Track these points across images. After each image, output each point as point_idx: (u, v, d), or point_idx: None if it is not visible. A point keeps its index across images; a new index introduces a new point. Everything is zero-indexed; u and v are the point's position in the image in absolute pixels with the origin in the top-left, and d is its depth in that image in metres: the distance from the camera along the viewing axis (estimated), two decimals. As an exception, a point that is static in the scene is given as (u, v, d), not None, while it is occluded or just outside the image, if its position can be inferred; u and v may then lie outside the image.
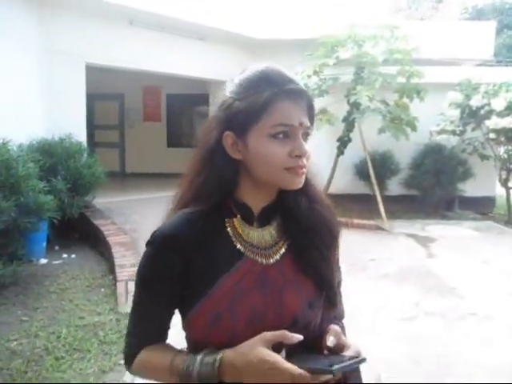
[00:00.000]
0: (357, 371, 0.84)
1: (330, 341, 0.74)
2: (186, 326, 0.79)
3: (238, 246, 0.78)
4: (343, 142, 7.15)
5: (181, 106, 10.44)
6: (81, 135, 5.66)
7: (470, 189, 7.46)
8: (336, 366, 0.65)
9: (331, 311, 0.84)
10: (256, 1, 7.56)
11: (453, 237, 5.87)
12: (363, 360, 0.71)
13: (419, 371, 2.53)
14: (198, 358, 0.71)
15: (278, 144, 0.74)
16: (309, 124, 0.77)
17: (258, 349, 0.67)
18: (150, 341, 0.80)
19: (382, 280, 4.10)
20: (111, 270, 4.08)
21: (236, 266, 0.76)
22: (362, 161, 7.20)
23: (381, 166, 7.33)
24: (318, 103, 6.66)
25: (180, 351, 0.77)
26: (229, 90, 0.79)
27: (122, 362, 1.96)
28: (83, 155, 5.31)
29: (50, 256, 4.55)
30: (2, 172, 3.32)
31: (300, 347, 0.71)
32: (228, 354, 0.70)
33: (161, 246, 0.77)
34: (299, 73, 6.55)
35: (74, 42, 5.75)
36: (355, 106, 6.48)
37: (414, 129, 6.62)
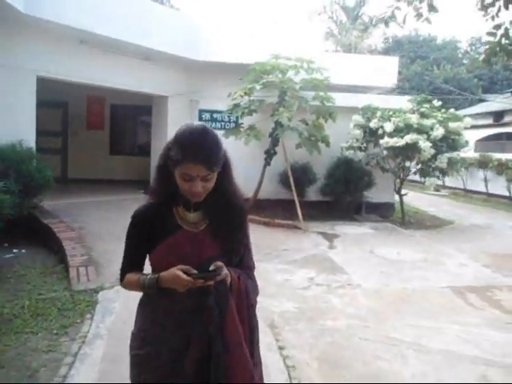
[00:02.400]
0: (223, 283, 1.33)
1: (212, 265, 1.32)
2: (149, 261, 1.44)
3: (179, 222, 1.40)
4: (269, 155, 8.29)
5: (124, 115, 11.01)
6: (31, 141, 6.20)
7: (374, 196, 8.96)
8: (201, 273, 1.27)
9: (230, 260, 1.40)
10: (196, 27, 8.52)
11: (353, 234, 7.20)
12: (217, 273, 1.29)
13: (303, 317, 3.59)
14: (149, 276, 1.37)
15: (184, 182, 1.32)
16: (206, 173, 1.30)
17: (174, 270, 1.29)
18: (130, 269, 1.45)
19: (290, 264, 5.18)
20: (61, 260, 4.72)
21: (178, 233, 1.39)
22: (284, 171, 8.37)
23: (301, 175, 8.56)
24: (248, 121, 7.81)
25: (143, 274, 1.41)
26: (172, 138, 1.36)
27: (79, 320, 2.83)
28: (33, 160, 5.85)
29: (1, 251, 5.05)
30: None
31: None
32: (163, 273, 1.32)
33: (132, 219, 1.45)
34: (232, 93, 7.63)
35: (27, 57, 6.29)
36: (278, 124, 7.65)
37: (328, 145, 7.96)
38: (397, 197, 8.99)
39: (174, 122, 8.82)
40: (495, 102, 16.42)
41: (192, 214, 1.41)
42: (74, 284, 4.05)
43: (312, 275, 4.79)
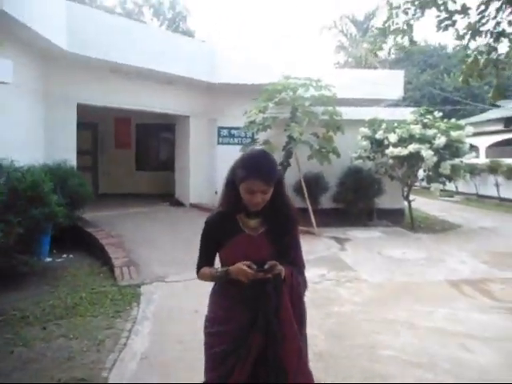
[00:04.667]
0: (279, 275, 1.63)
1: (267, 263, 1.62)
2: (219, 259, 1.80)
3: (242, 227, 1.74)
4: (283, 167, 8.94)
5: (149, 133, 11.92)
6: (72, 160, 7.08)
7: (385, 202, 9.50)
8: (260, 268, 1.60)
9: (283, 262, 1.68)
10: (213, 52, 9.38)
11: (364, 238, 7.75)
12: (274, 268, 1.61)
13: (312, 304, 4.18)
14: (219, 269, 1.72)
15: (247, 195, 1.66)
16: (265, 187, 1.63)
17: (240, 265, 1.61)
18: (204, 264, 1.80)
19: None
20: (105, 262, 5.47)
21: (240, 235, 1.73)
22: (298, 181, 9.01)
23: (314, 184, 9.18)
24: (263, 136, 8.53)
25: (214, 268, 1.77)
26: (239, 159, 1.71)
27: (128, 307, 3.60)
28: (75, 177, 6.69)
29: (52, 256, 5.85)
30: (33, 189, 4.71)
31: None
32: (231, 267, 1.65)
33: (205, 225, 1.79)
34: (248, 111, 8.39)
35: (68, 86, 7.24)
36: (291, 138, 8.33)
37: (338, 155, 8.60)
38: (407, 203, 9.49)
39: (195, 138, 9.67)
40: (506, 109, 16.72)
41: (252, 221, 1.74)
42: (119, 281, 4.78)
43: (323, 272, 5.39)
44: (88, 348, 3.16)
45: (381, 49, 3.82)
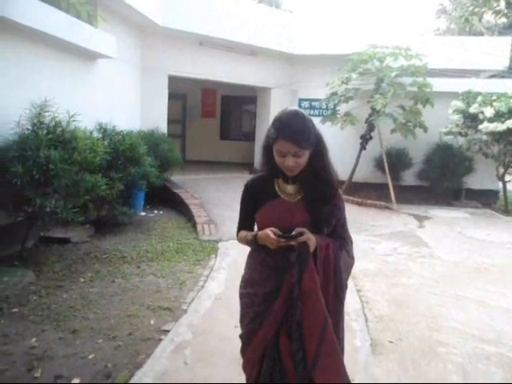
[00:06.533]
0: (305, 245, 1.55)
1: (295, 230, 1.55)
2: (255, 221, 1.75)
3: (278, 192, 1.67)
4: (365, 140, 8.77)
5: (232, 105, 12.41)
6: (164, 128, 7.79)
7: (475, 182, 8.83)
8: (283, 234, 1.53)
9: (321, 230, 1.62)
10: (296, 23, 9.31)
11: (446, 217, 7.36)
12: (299, 236, 1.53)
13: (380, 274, 4.27)
14: (252, 233, 1.70)
15: (279, 157, 1.56)
16: (296, 149, 1.51)
17: (266, 230, 1.57)
18: (243, 228, 1.77)
19: (377, 237, 5.78)
20: (189, 219, 6.08)
21: (276, 200, 1.66)
22: (380, 155, 8.75)
23: (396, 160, 8.86)
24: (344, 108, 8.39)
25: (249, 232, 1.73)
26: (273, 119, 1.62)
27: (207, 257, 4.05)
28: (166, 143, 7.37)
29: (145, 211, 6.64)
30: (130, 150, 5.37)
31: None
32: (259, 232, 1.63)
33: (244, 188, 1.74)
34: (330, 83, 8.29)
35: (161, 60, 7.86)
36: (374, 110, 8.07)
37: (425, 130, 8.15)
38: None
39: (276, 110, 9.77)
40: None
41: (289, 186, 1.66)
42: (200, 235, 5.32)
43: (396, 246, 5.34)
44: (172, 286, 3.68)
45: (475, 14, 3.55)
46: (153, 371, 2.42)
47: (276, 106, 9.77)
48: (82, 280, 3.74)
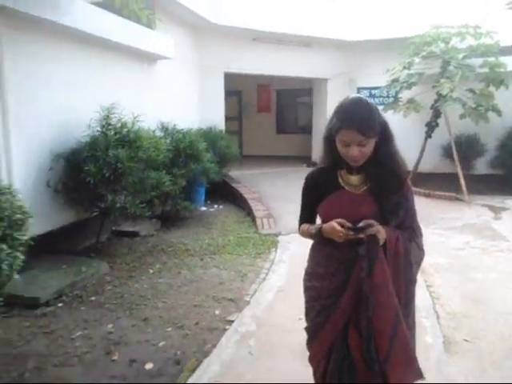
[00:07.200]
0: (374, 237, 1.50)
1: (363, 221, 1.49)
2: (318, 214, 1.69)
3: (342, 183, 1.61)
4: (431, 127, 8.24)
5: (287, 99, 12.32)
6: (221, 125, 7.94)
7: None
8: (352, 226, 1.48)
9: (388, 222, 1.55)
10: (348, 6, 8.94)
11: (527, 208, 6.68)
12: (367, 228, 1.48)
13: (452, 269, 3.99)
14: (315, 226, 1.64)
15: (343, 148, 1.50)
16: (361, 138, 1.44)
17: (332, 222, 1.51)
18: (304, 221, 1.72)
19: (447, 230, 5.40)
20: (248, 214, 6.15)
21: (340, 191, 1.60)
22: (448, 143, 8.17)
23: (466, 147, 8.23)
24: (407, 94, 7.94)
25: (313, 225, 1.67)
26: (334, 109, 1.54)
27: (267, 251, 4.04)
28: (224, 139, 7.52)
29: (206, 206, 6.83)
30: (191, 148, 5.55)
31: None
32: (324, 225, 1.57)
33: (305, 181, 1.71)
34: (390, 69, 7.88)
35: (216, 57, 8.00)
36: (440, 95, 7.54)
37: (499, 114, 7.45)
38: None
39: (333, 101, 9.57)
40: None
41: (353, 177, 1.60)
42: (260, 229, 5.35)
43: (469, 240, 4.96)
44: (234, 278, 3.74)
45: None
46: (219, 360, 2.48)
47: (333, 96, 9.50)
48: (151, 271, 3.94)
